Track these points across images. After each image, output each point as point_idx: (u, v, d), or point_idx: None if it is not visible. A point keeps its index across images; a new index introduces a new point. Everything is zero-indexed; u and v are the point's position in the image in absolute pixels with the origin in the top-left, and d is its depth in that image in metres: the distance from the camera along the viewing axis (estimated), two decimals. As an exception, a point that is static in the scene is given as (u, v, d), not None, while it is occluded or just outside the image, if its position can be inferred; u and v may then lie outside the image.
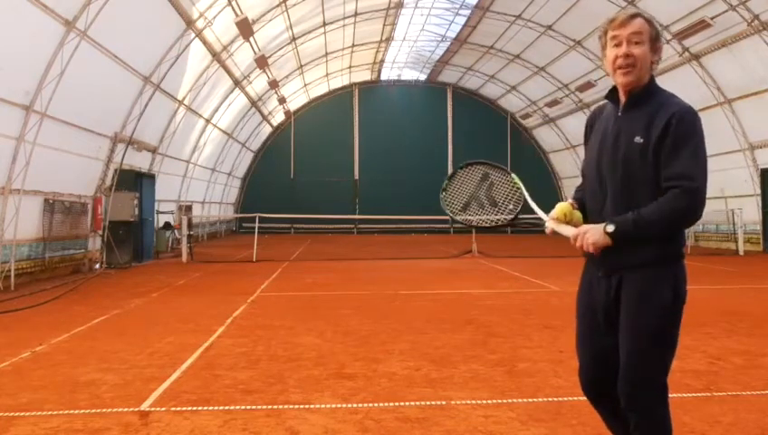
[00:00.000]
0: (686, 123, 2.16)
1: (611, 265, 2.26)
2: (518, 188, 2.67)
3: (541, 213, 2.46)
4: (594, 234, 2.19)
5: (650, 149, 2.17)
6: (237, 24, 15.00)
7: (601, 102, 2.52)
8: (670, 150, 2.14)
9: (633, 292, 2.21)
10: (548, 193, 31.39)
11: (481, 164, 2.85)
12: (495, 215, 2.73)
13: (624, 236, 2.14)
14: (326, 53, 25.79)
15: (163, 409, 3.81)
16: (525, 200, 2.61)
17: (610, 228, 2.15)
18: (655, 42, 2.27)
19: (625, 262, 2.22)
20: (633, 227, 2.13)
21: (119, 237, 13.79)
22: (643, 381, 2.22)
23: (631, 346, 2.22)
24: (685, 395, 3.97)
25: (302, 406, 3.86)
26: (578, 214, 2.44)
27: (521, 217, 2.62)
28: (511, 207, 2.68)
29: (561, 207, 2.42)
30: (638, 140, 2.20)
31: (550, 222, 2.39)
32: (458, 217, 2.82)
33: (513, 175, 2.70)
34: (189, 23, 14.19)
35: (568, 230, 2.31)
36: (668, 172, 2.13)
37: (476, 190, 2.80)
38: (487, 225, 2.73)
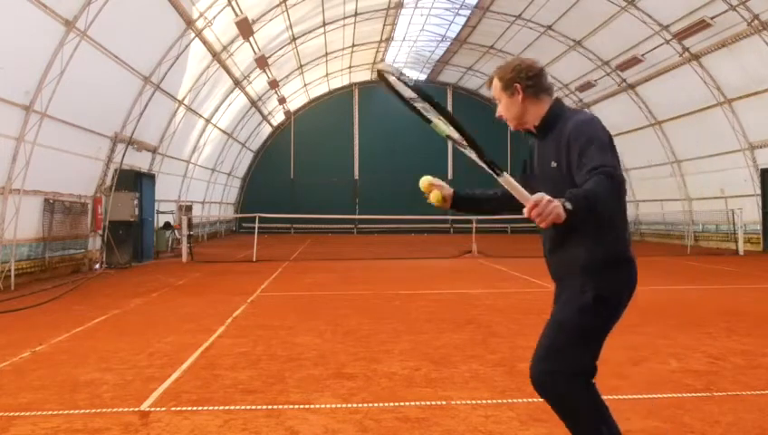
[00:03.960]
0: (583, 130, 2.25)
1: (555, 273, 2.51)
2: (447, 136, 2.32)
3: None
4: (557, 206, 1.95)
5: (564, 170, 2.30)
6: (237, 23, 15.00)
7: None
8: (578, 159, 2.20)
9: (563, 295, 2.43)
10: (548, 193, 31.41)
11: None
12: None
13: (578, 211, 2.00)
14: (326, 53, 25.77)
15: (163, 409, 3.82)
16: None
17: (569, 205, 1.96)
18: (507, 90, 2.46)
19: (564, 271, 2.42)
20: (585, 201, 2.01)
21: (119, 237, 13.79)
22: (550, 372, 2.33)
23: (545, 337, 2.38)
24: (685, 395, 3.97)
25: (302, 406, 3.86)
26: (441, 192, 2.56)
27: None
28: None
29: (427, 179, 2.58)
30: (553, 164, 2.36)
31: (505, 176, 2.05)
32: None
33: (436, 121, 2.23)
34: (189, 23, 14.19)
35: (524, 192, 2.02)
36: (582, 172, 2.14)
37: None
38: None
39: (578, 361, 2.32)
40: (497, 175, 2.07)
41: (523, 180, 2.39)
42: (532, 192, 2.02)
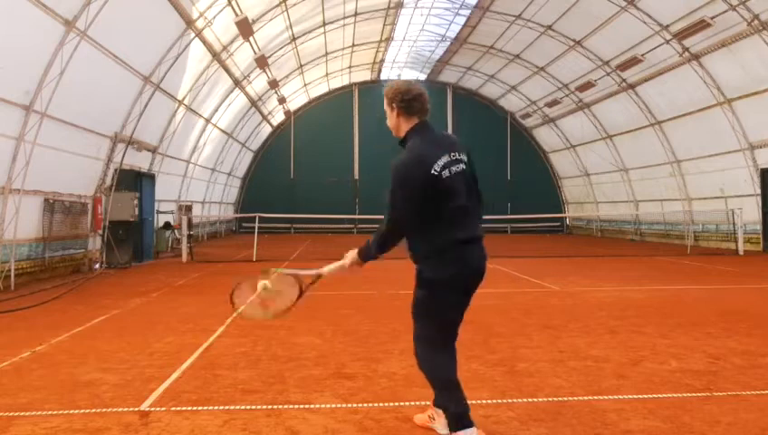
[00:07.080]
0: (392, 170, 2.96)
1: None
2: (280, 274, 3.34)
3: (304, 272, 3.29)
4: (349, 255, 3.20)
5: None
6: (237, 23, 14.99)
7: None
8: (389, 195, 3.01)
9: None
10: (548, 193, 31.39)
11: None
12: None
13: (364, 250, 3.18)
14: (326, 53, 25.76)
15: (163, 409, 3.82)
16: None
17: (363, 249, 3.17)
18: (390, 106, 3.11)
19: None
20: (370, 241, 3.14)
21: (119, 237, 13.80)
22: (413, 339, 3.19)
23: None
24: (685, 395, 3.97)
25: (302, 406, 3.86)
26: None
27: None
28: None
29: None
30: None
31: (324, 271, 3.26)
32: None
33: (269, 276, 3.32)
34: (189, 22, 14.19)
35: (334, 266, 3.25)
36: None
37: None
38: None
39: (420, 329, 3.12)
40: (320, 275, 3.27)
41: None
42: None
